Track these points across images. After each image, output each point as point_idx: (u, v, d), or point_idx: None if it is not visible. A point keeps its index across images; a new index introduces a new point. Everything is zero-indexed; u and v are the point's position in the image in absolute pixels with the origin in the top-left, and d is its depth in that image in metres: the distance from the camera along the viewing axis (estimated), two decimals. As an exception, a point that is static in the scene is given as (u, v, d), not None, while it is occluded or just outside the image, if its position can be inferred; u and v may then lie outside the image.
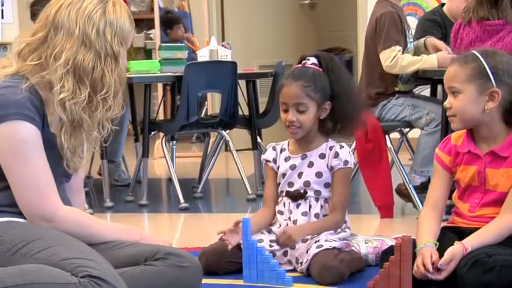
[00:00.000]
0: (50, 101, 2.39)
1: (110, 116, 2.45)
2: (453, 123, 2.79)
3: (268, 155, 3.17)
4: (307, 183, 3.06)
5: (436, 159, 2.87)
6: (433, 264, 2.59)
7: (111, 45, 2.39)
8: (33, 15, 5.21)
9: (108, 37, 2.39)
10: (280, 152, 3.15)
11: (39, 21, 2.43)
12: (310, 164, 3.08)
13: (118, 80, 2.43)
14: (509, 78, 2.71)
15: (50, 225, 2.36)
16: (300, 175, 3.08)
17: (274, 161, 3.15)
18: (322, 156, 3.08)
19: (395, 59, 4.21)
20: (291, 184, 3.09)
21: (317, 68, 3.05)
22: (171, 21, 7.68)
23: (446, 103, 2.78)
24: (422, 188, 4.25)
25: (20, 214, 2.38)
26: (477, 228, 2.70)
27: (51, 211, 2.36)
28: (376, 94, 4.33)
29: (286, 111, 3.04)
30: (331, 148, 3.08)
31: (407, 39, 4.35)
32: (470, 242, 2.63)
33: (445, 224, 2.88)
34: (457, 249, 2.61)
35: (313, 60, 3.07)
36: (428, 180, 4.28)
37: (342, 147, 3.08)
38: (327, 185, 3.07)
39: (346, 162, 3.06)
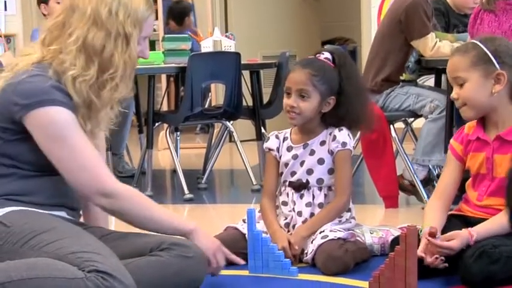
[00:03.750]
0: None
1: (117, 97, 2.46)
2: (464, 113, 2.78)
3: (272, 143, 3.16)
4: (309, 172, 3.06)
5: (450, 149, 2.87)
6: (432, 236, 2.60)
7: (123, 26, 2.39)
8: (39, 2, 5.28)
9: (121, 17, 2.39)
10: (283, 141, 3.14)
11: (60, 8, 2.47)
12: (312, 152, 3.08)
13: (129, 61, 2.43)
14: None
15: (111, 202, 2.36)
16: (302, 164, 3.08)
17: (278, 149, 3.14)
18: (322, 143, 3.07)
19: (436, 47, 4.21)
20: (293, 173, 3.09)
21: (329, 62, 3.05)
22: (187, 11, 7.61)
23: (453, 94, 2.78)
24: (425, 183, 4.24)
25: (33, 204, 2.38)
26: (483, 219, 2.71)
27: (108, 186, 2.37)
28: (382, 81, 4.32)
29: (289, 96, 3.04)
30: (330, 133, 3.07)
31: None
32: (477, 229, 2.63)
33: (452, 211, 2.87)
34: (462, 232, 2.61)
35: (327, 55, 3.07)
36: (430, 175, 4.28)
37: (340, 130, 3.06)
38: (330, 171, 3.06)
39: (344, 144, 3.04)
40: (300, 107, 3.01)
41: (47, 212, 2.40)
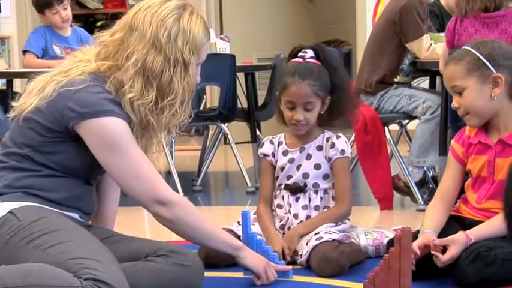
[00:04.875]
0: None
1: (176, 123, 2.50)
2: (469, 121, 2.78)
3: (266, 149, 3.15)
4: (306, 176, 3.06)
5: (451, 151, 2.86)
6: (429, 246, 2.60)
7: (182, 53, 2.42)
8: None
9: (179, 44, 2.42)
10: (278, 146, 3.14)
11: (119, 23, 2.49)
12: (308, 157, 3.07)
13: (187, 88, 2.46)
14: (507, 60, 2.71)
15: (168, 210, 2.40)
16: (298, 167, 3.07)
17: (273, 155, 3.14)
18: (319, 148, 3.08)
19: (431, 49, 4.21)
20: (289, 177, 3.08)
21: (317, 62, 3.04)
22: None
23: (453, 104, 2.77)
24: (421, 185, 4.25)
25: (50, 201, 2.40)
26: (480, 222, 2.70)
27: (163, 194, 2.42)
28: (376, 82, 4.32)
29: (292, 109, 3.02)
30: (327, 139, 3.07)
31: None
32: (474, 233, 2.62)
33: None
34: (459, 236, 2.61)
35: (311, 53, 3.05)
36: (425, 177, 4.28)
37: (338, 137, 3.07)
38: (325, 177, 3.06)
39: (342, 151, 3.05)
40: (306, 119, 3.01)
41: (61, 211, 2.42)
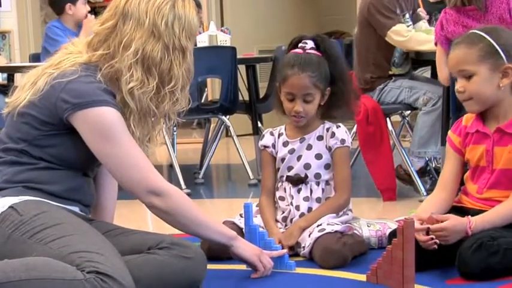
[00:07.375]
0: (116, 92, 2.44)
1: (177, 109, 2.51)
2: (469, 107, 2.75)
3: (267, 140, 3.15)
4: (307, 166, 3.05)
5: (448, 141, 2.86)
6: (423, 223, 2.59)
7: (179, 39, 2.44)
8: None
9: (177, 31, 2.43)
10: (278, 137, 3.14)
11: (109, 11, 2.48)
12: (309, 147, 3.07)
13: (186, 74, 2.48)
14: None
15: (162, 201, 2.40)
16: (299, 158, 3.07)
17: (273, 146, 3.14)
18: (320, 138, 3.07)
19: (409, 35, 4.19)
20: (290, 168, 3.08)
21: (317, 52, 3.03)
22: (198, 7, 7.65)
23: (458, 87, 2.73)
24: (422, 173, 4.25)
25: (50, 194, 2.40)
26: (482, 211, 2.69)
27: (157, 184, 2.42)
28: (372, 78, 4.32)
29: (291, 100, 3.02)
30: (328, 129, 3.07)
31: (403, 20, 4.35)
32: (476, 218, 2.62)
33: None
34: (459, 218, 2.60)
35: (311, 44, 3.04)
36: (426, 165, 4.28)
37: (338, 127, 3.07)
38: (326, 167, 3.06)
39: (343, 141, 3.04)
40: (306, 111, 3.01)
41: (61, 205, 2.42)
